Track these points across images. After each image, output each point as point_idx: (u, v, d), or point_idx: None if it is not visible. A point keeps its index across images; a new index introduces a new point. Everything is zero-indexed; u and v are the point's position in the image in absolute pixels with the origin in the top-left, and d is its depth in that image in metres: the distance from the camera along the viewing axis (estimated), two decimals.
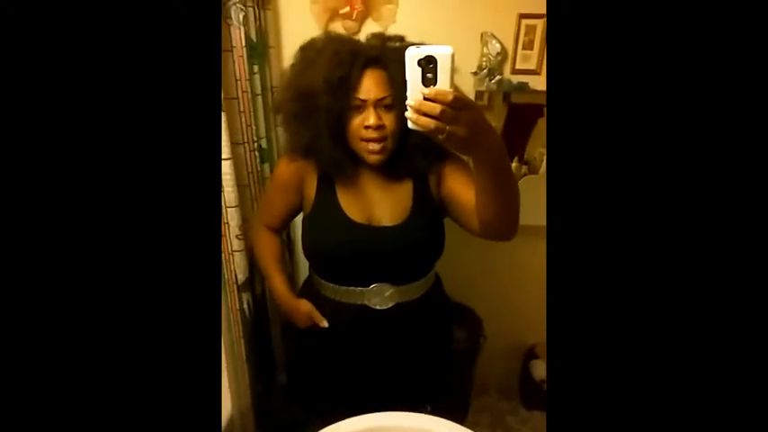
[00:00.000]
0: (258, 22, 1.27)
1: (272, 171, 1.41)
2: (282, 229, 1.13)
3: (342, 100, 0.84)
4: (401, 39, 0.90)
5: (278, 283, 1.06)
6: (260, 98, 1.30)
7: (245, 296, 1.26)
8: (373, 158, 0.87)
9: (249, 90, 1.24)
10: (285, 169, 1.00)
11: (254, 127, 1.28)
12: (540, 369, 1.80)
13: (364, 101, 0.84)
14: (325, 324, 0.99)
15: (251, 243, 1.15)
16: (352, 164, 0.91)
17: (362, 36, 0.98)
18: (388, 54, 0.86)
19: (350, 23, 1.40)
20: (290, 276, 1.59)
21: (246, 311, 1.28)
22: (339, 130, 0.88)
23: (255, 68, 1.26)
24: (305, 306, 1.01)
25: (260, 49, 1.28)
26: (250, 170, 1.29)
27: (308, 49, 0.91)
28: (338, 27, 1.41)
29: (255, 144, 1.30)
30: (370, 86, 0.84)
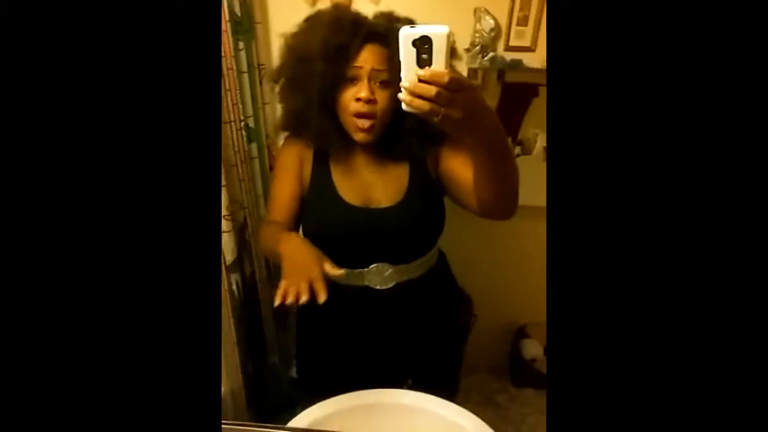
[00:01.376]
0: None
1: (259, 150, 1.39)
2: (295, 226, 0.96)
3: (337, 67, 0.82)
4: (411, 22, 0.87)
5: (292, 236, 0.86)
6: (246, 75, 1.26)
7: (234, 277, 1.26)
8: (360, 136, 0.86)
9: (235, 67, 1.21)
10: (285, 154, 0.98)
11: (240, 105, 1.25)
12: (529, 348, 1.82)
13: (360, 68, 0.82)
14: (339, 271, 0.79)
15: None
16: (341, 139, 0.89)
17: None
18: (393, 32, 0.83)
19: (339, 0, 1.35)
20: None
21: (236, 292, 1.27)
22: (330, 101, 0.86)
23: (241, 45, 1.23)
24: (318, 253, 0.81)
25: (245, 25, 1.24)
26: (237, 149, 1.27)
27: (312, 19, 0.88)
28: (326, 3, 1.37)
29: (242, 123, 1.28)
30: (367, 57, 0.82)
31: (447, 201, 0.96)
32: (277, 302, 0.74)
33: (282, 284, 0.76)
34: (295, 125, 0.92)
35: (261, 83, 1.38)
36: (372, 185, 0.94)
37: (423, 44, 0.55)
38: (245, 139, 1.29)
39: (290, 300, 0.73)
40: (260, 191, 1.42)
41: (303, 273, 0.78)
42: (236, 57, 1.21)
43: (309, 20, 0.89)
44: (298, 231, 0.99)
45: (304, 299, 0.73)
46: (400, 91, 0.58)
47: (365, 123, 0.84)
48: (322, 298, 0.76)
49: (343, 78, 0.83)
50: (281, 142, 1.05)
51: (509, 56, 1.43)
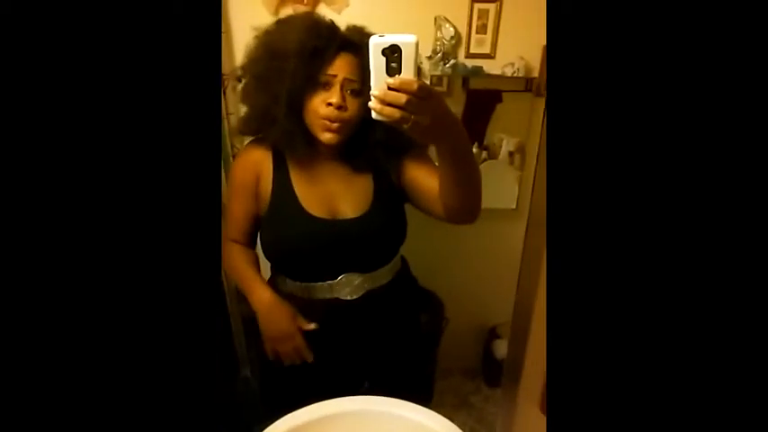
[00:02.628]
0: None
1: (224, 161, 1.37)
2: (252, 244, 1.00)
3: (311, 70, 0.82)
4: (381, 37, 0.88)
5: (261, 291, 0.94)
6: None
7: None
8: (327, 136, 0.84)
9: None
10: (239, 169, 0.95)
11: None
12: (501, 348, 1.85)
13: (333, 77, 0.82)
14: (311, 326, 0.93)
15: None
16: (305, 142, 0.88)
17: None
18: (365, 45, 0.84)
19: (301, 8, 1.36)
20: None
21: None
22: (298, 103, 0.85)
23: None
24: (294, 312, 0.94)
25: None
26: None
27: (285, 22, 0.88)
28: (288, 12, 1.37)
29: None
30: (342, 65, 0.82)
31: (410, 208, 0.98)
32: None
33: (268, 348, 0.96)
34: (258, 125, 0.89)
35: (224, 93, 1.37)
36: (337, 195, 0.93)
37: (392, 53, 0.56)
38: None
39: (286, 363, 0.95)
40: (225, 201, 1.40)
41: (287, 342, 0.93)
42: None
43: (281, 22, 0.88)
44: (256, 245, 1.01)
45: (300, 361, 0.94)
46: (370, 99, 0.58)
47: (333, 125, 0.84)
48: (310, 359, 0.95)
49: (314, 82, 0.83)
50: None
51: (470, 63, 1.47)
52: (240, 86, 0.91)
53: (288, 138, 0.86)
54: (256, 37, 0.87)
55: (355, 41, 0.83)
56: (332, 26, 0.85)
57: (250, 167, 0.93)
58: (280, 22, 0.88)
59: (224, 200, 0.97)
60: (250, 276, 0.96)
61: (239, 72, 0.91)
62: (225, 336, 1.44)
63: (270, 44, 0.85)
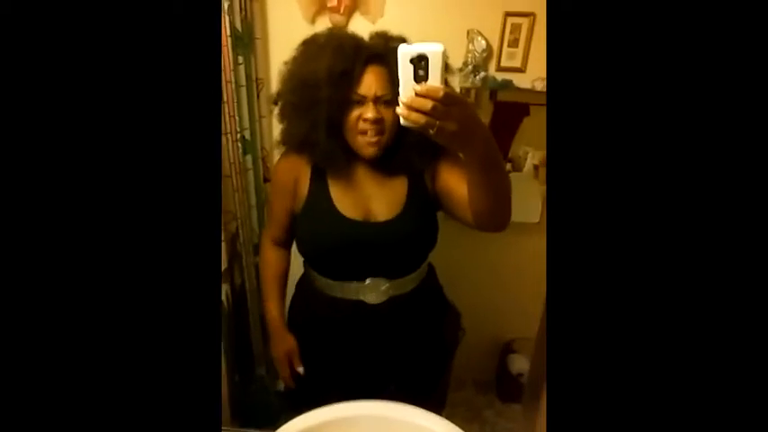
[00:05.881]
0: (244, 12, 1.25)
1: (254, 162, 1.41)
2: (290, 241, 1.08)
3: (343, 92, 0.84)
4: (404, 40, 0.90)
5: (272, 309, 1.07)
6: (244, 89, 1.29)
7: (224, 287, 1.26)
8: (369, 151, 0.88)
9: (233, 80, 1.23)
10: (280, 171, 1.00)
11: (237, 118, 1.27)
12: (516, 363, 1.83)
13: (364, 97, 0.85)
14: (300, 370, 1.05)
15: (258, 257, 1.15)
16: (344, 157, 0.92)
17: (356, 31, 0.97)
18: (391, 52, 0.85)
19: (337, 17, 1.39)
20: None
21: (225, 302, 1.28)
22: (337, 123, 0.88)
23: (240, 59, 1.25)
24: (290, 342, 1.05)
25: (245, 40, 1.27)
26: (232, 161, 1.28)
27: (310, 44, 0.90)
28: (325, 20, 1.40)
29: (239, 135, 1.30)
30: (371, 82, 0.85)
31: (439, 216, 0.98)
32: (300, 370, 1.05)
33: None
34: (298, 145, 0.93)
35: (258, 96, 1.40)
36: (372, 198, 0.95)
37: (419, 61, 0.58)
38: (240, 150, 1.31)
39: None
40: (253, 201, 1.43)
41: (278, 364, 1.08)
42: (236, 70, 1.23)
43: (307, 43, 0.90)
44: (292, 244, 1.05)
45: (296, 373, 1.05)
46: (398, 105, 0.60)
47: (373, 139, 0.86)
48: (301, 369, 1.05)
49: (348, 102, 0.85)
50: (276, 155, 1.07)
51: (500, 76, 1.47)
52: (276, 109, 0.95)
53: (329, 157, 0.90)
54: (285, 64, 0.91)
55: (380, 52, 0.86)
56: (356, 42, 0.87)
57: (290, 169, 0.97)
58: (304, 45, 0.91)
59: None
60: (269, 290, 1.09)
61: (276, 98, 0.94)
62: (241, 334, 1.47)
63: (299, 74, 0.88)
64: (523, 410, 0.83)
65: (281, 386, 1.30)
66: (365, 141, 0.87)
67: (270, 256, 1.09)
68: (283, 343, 1.04)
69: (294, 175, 0.97)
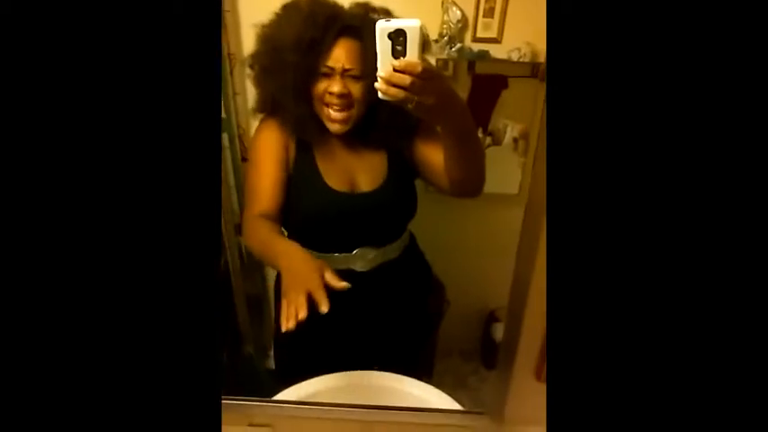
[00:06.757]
0: None
1: (230, 141, 1.38)
2: (280, 218, 0.93)
3: (310, 61, 0.84)
4: (387, 12, 0.88)
5: (286, 245, 0.86)
6: None
7: None
8: (335, 127, 0.88)
9: None
10: (263, 141, 0.94)
11: None
12: (500, 331, 1.87)
13: (332, 69, 0.83)
14: (325, 309, 0.76)
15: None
16: (317, 126, 0.91)
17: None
18: (367, 25, 0.82)
19: None
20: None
21: None
22: (305, 91, 0.88)
23: None
24: (322, 264, 0.81)
25: None
26: None
27: (289, 8, 0.89)
28: None
29: None
30: (339, 55, 0.84)
31: (419, 190, 1.00)
32: (284, 329, 0.69)
33: (283, 305, 0.72)
34: (270, 109, 0.93)
35: (231, 73, 1.37)
36: (354, 170, 0.97)
37: (397, 36, 0.60)
38: None
39: (291, 324, 0.68)
40: (231, 182, 1.41)
41: (302, 285, 0.73)
42: None
43: (286, 8, 0.89)
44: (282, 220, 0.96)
45: (302, 315, 0.68)
46: (377, 80, 0.61)
47: (338, 115, 0.86)
48: (324, 308, 0.71)
49: (315, 72, 0.85)
50: (252, 131, 1.05)
51: (476, 47, 1.46)
52: (252, 74, 0.94)
53: (299, 123, 0.89)
54: (262, 26, 0.89)
55: (356, 24, 0.84)
56: (332, 12, 0.85)
57: (274, 136, 0.93)
58: (283, 9, 0.89)
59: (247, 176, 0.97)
60: (275, 238, 0.88)
61: (249, 61, 0.93)
62: (228, 313, 1.47)
63: (270, 37, 0.87)
64: (497, 373, 0.86)
65: (269, 364, 1.31)
66: (331, 117, 0.87)
67: (260, 223, 0.92)
68: (317, 267, 0.79)
69: (281, 142, 0.93)
